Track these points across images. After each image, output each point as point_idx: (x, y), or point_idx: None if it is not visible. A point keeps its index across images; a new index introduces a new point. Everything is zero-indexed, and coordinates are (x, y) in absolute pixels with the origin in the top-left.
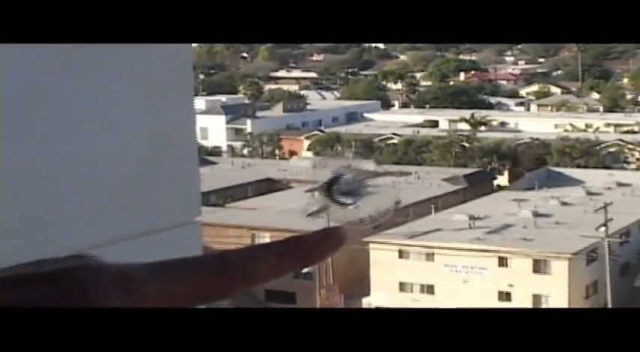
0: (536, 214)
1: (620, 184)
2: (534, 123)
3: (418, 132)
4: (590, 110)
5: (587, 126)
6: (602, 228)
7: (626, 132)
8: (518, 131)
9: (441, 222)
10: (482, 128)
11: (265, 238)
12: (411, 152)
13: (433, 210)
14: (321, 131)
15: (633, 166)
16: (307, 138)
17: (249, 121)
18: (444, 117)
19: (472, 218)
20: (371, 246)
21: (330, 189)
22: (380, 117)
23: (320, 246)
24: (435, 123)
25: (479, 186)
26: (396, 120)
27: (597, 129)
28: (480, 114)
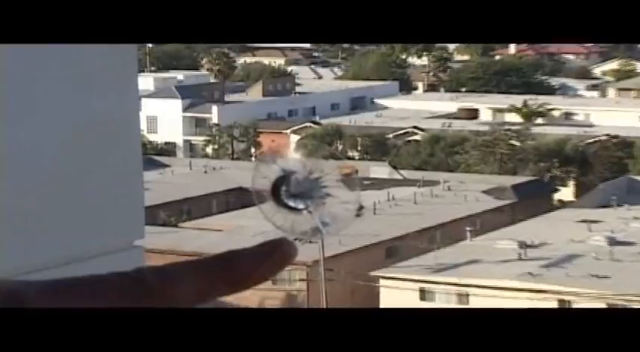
0: (612, 241)
1: None
2: (612, 115)
3: (450, 125)
4: None
5: None
6: None
7: None
8: (590, 125)
9: (480, 250)
10: (539, 120)
11: None
12: (440, 153)
13: (469, 235)
14: (316, 123)
15: None
16: (296, 132)
17: (215, 108)
18: (486, 106)
19: (523, 245)
20: (382, 282)
21: (278, 190)
22: (397, 103)
23: (260, 264)
24: (473, 114)
25: (533, 201)
26: (419, 109)
27: None
28: (536, 101)
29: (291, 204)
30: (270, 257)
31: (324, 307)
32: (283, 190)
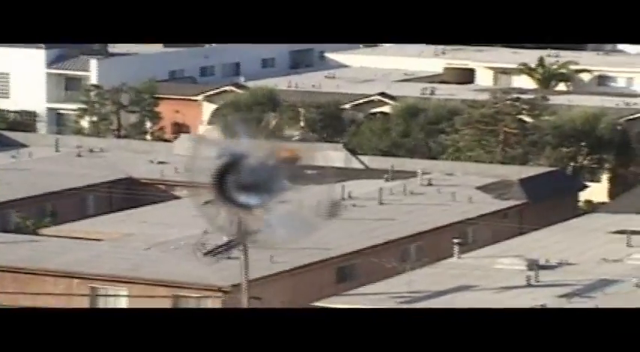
0: None
1: None
2: None
3: (432, 92)
4: None
5: None
6: None
7: None
8: (633, 94)
9: (472, 272)
10: (561, 87)
11: (118, 296)
12: (418, 132)
13: (456, 249)
14: (240, 86)
15: None
16: (211, 99)
17: (94, 63)
18: (484, 64)
19: (534, 266)
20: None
21: (223, 180)
22: (358, 59)
23: None
24: (466, 76)
25: (550, 201)
26: (389, 68)
27: None
28: (556, 58)
29: (241, 199)
30: None
31: None
32: (230, 180)
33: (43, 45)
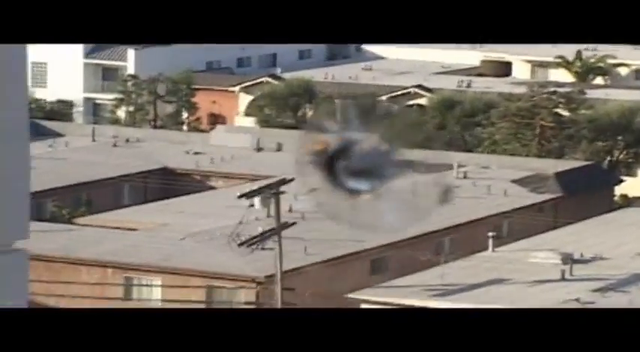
0: None
1: None
2: None
3: (469, 85)
4: None
5: None
6: None
7: None
8: None
9: (506, 265)
10: (598, 80)
11: (152, 286)
12: (454, 124)
13: (491, 242)
14: (276, 77)
15: None
16: (247, 90)
17: (131, 53)
18: (521, 57)
19: (568, 260)
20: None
21: (333, 164)
22: (395, 52)
23: None
24: (503, 69)
25: (585, 195)
26: (426, 61)
27: None
28: (594, 52)
29: (351, 184)
30: None
31: None
32: (340, 165)
33: None
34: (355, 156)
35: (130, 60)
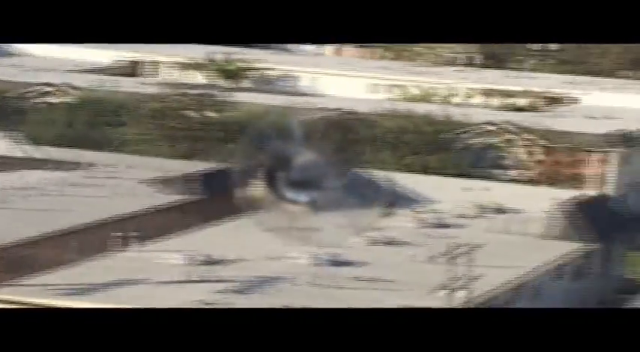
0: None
1: None
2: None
3: (103, 84)
4: None
5: None
6: None
7: None
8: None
9: (133, 264)
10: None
11: None
12: (84, 123)
13: (119, 242)
14: None
15: None
16: None
17: None
18: (153, 57)
19: (195, 261)
20: None
21: (274, 176)
22: (45, 49)
23: None
24: (136, 68)
25: (216, 198)
26: (60, 57)
27: None
28: (227, 54)
29: (291, 195)
30: None
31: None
32: (281, 176)
33: None
34: (296, 168)
35: None
